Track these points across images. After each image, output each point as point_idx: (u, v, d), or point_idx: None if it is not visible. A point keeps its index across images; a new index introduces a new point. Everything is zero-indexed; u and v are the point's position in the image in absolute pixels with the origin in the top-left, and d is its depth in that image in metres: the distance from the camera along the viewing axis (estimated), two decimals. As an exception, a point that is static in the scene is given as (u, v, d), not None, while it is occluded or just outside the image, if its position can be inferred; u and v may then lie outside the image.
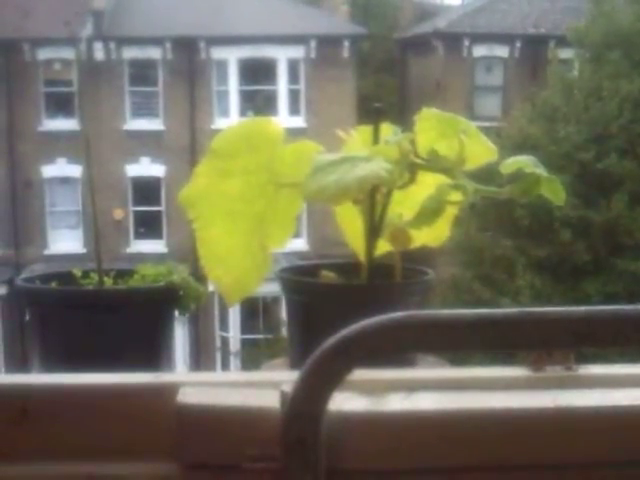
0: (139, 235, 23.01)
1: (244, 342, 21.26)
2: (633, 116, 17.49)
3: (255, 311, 20.70)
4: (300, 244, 21.32)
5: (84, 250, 21.07)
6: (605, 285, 17.06)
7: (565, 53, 21.15)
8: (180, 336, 20.87)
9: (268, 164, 1.35)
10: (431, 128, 1.37)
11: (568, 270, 17.38)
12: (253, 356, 18.11)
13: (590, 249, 17.33)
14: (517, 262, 17.15)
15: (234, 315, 21.43)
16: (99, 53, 22.52)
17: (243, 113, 22.06)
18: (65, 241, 21.93)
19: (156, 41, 22.69)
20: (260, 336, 20.13)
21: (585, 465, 1.01)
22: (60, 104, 22.26)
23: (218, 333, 22.15)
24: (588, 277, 17.28)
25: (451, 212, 1.40)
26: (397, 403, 1.02)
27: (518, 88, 23.25)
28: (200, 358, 22.14)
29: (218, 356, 22.12)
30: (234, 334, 21.63)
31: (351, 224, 1.44)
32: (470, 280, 17.87)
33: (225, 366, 21.33)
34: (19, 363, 19.22)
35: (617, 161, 17.33)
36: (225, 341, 21.85)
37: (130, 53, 22.88)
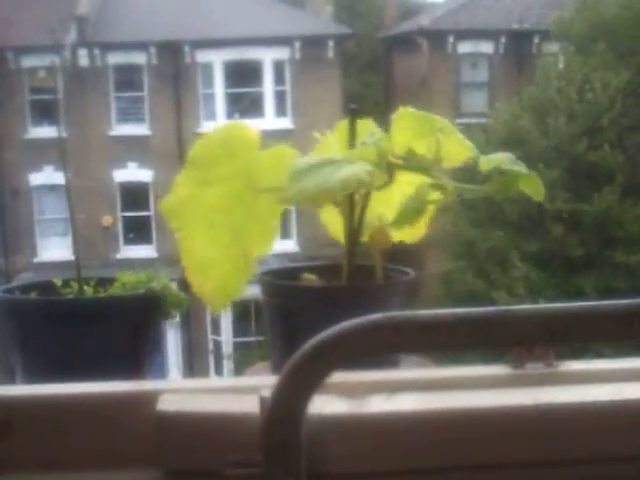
0: (128, 241, 22.98)
1: (237, 345, 21.26)
2: (623, 108, 17.55)
3: (247, 314, 20.67)
4: (290, 245, 21.32)
5: (73, 257, 20.98)
6: (598, 278, 17.11)
7: (550, 47, 21.20)
8: (172, 341, 20.86)
9: (245, 170, 1.35)
10: (408, 127, 1.37)
11: (561, 264, 17.42)
12: (246, 359, 18.11)
13: (582, 243, 17.39)
14: (509, 256, 17.19)
15: (226, 318, 21.41)
16: (84, 59, 22.47)
17: (230, 116, 22.05)
18: (54, 249, 21.85)
19: (140, 46, 22.65)
20: (252, 339, 20.12)
21: (567, 462, 1.01)
22: (46, 111, 22.20)
23: (210, 337, 22.14)
24: (581, 271, 17.32)
25: (429, 210, 1.40)
26: (378, 405, 1.02)
27: (504, 84, 23.30)
28: (193, 362, 22.12)
29: (211, 360, 22.11)
30: (226, 337, 21.62)
31: (336, 225, 1.44)
32: (462, 274, 17.91)
33: (218, 369, 21.32)
34: (7, 375, 19.15)
35: (605, 154, 17.39)
36: (218, 345, 21.84)
37: (115, 58, 22.84)
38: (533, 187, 1.32)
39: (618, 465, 1.00)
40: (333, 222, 1.44)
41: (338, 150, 1.35)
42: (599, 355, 1.34)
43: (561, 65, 19.68)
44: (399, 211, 1.32)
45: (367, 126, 1.39)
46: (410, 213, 1.31)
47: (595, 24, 18.67)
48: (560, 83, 18.35)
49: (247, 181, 1.35)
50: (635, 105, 17.78)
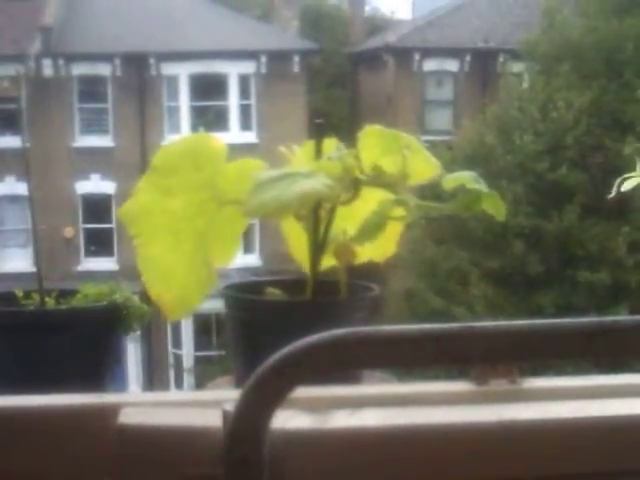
0: (90, 253, 22.85)
1: (198, 359, 21.16)
2: (587, 127, 17.72)
3: (208, 328, 20.60)
4: (252, 259, 21.29)
5: (34, 269, 20.81)
6: (559, 296, 17.23)
7: (514, 67, 21.39)
8: (133, 354, 20.72)
9: (210, 181, 1.34)
10: (375, 144, 1.37)
11: (521, 281, 17.52)
12: (207, 373, 18.02)
13: (543, 260, 17.50)
14: (471, 273, 17.27)
15: (187, 332, 21.33)
16: (48, 69, 22.35)
17: (194, 129, 21.99)
18: (15, 260, 21.64)
19: (105, 57, 22.58)
20: (214, 353, 20.03)
21: (531, 478, 1.01)
22: (8, 121, 21.98)
23: (171, 350, 22.02)
24: (541, 288, 17.43)
25: (396, 228, 1.40)
26: (341, 420, 1.02)
27: (468, 102, 23.45)
28: (153, 376, 21.98)
29: (171, 374, 21.99)
30: (187, 351, 21.51)
31: (297, 240, 1.43)
32: (424, 292, 17.96)
33: (178, 383, 21.20)
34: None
35: (568, 173, 17.55)
36: (178, 358, 21.73)
37: (79, 69, 22.74)
38: (495, 206, 1.32)
39: None
40: (296, 237, 1.44)
41: (305, 165, 1.34)
42: (561, 372, 1.34)
43: (525, 84, 19.85)
44: (360, 226, 1.32)
45: (333, 145, 1.39)
46: (371, 228, 1.31)
47: (560, 46, 18.86)
48: (522, 102, 18.51)
49: (211, 191, 1.34)
50: (598, 125, 17.96)
